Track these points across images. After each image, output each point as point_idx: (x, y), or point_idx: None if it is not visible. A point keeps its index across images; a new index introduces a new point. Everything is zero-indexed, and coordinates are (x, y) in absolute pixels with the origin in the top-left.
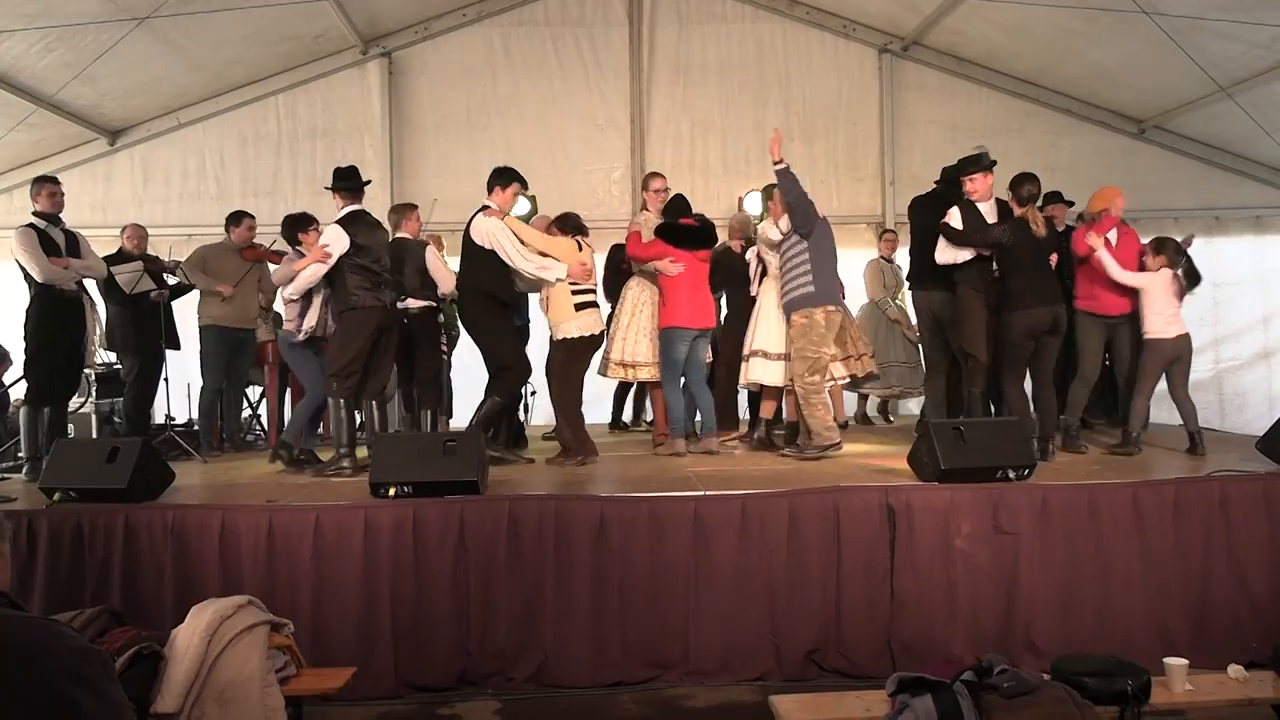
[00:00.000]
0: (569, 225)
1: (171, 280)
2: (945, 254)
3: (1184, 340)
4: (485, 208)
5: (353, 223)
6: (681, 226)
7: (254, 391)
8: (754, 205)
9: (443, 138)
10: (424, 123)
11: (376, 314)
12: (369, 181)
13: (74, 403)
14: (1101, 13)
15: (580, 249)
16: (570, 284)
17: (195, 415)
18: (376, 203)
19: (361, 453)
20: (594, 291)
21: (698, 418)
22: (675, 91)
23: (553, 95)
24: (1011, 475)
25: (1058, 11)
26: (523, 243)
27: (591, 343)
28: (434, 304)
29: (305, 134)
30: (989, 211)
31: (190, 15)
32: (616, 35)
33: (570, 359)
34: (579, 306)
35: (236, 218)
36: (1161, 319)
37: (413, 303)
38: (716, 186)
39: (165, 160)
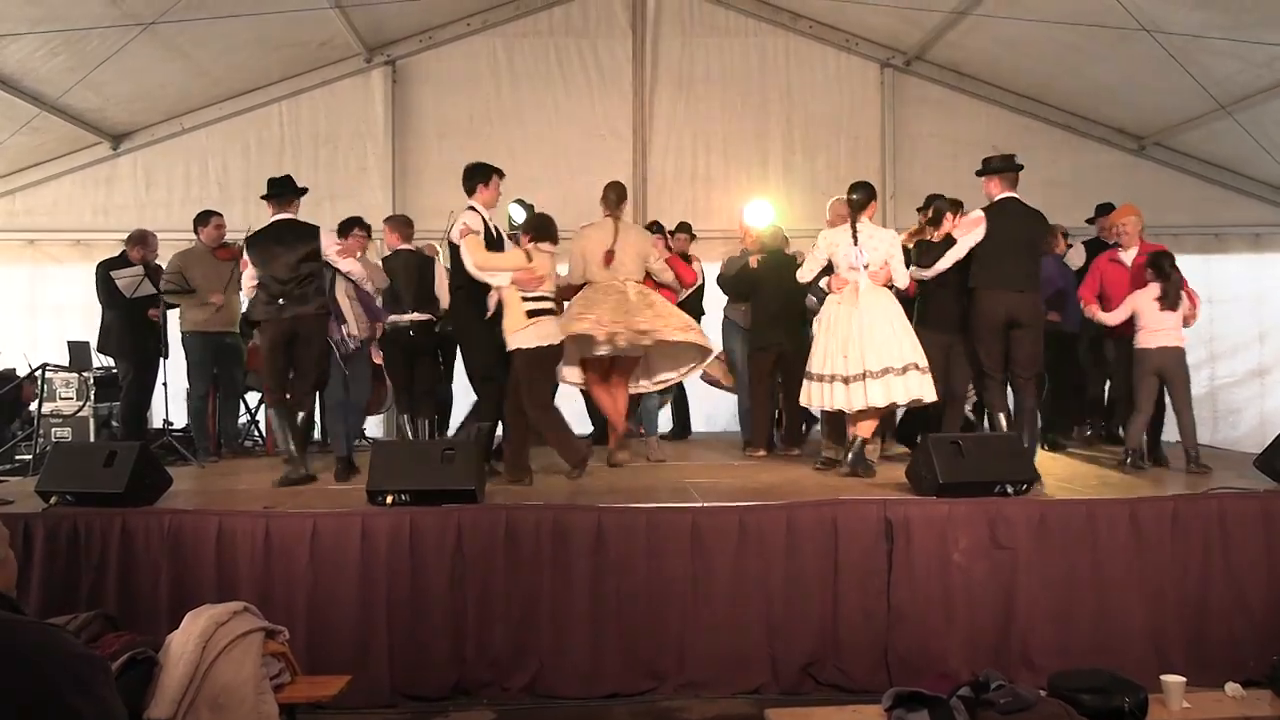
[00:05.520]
0: (527, 226)
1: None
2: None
3: (1170, 353)
4: (470, 208)
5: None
6: None
7: (253, 397)
8: (755, 215)
9: (445, 146)
10: (427, 131)
11: (268, 327)
12: (304, 190)
13: (72, 406)
14: (1103, 30)
15: (530, 257)
16: (521, 292)
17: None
18: (379, 210)
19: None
20: (550, 299)
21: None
22: (678, 103)
23: (555, 105)
24: (1010, 490)
25: (1059, 28)
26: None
27: (549, 353)
28: (432, 317)
29: (308, 140)
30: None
31: (195, 21)
32: (620, 47)
33: (529, 371)
34: (530, 314)
35: (204, 218)
36: (1145, 332)
37: (416, 316)
38: (718, 198)
39: (168, 165)
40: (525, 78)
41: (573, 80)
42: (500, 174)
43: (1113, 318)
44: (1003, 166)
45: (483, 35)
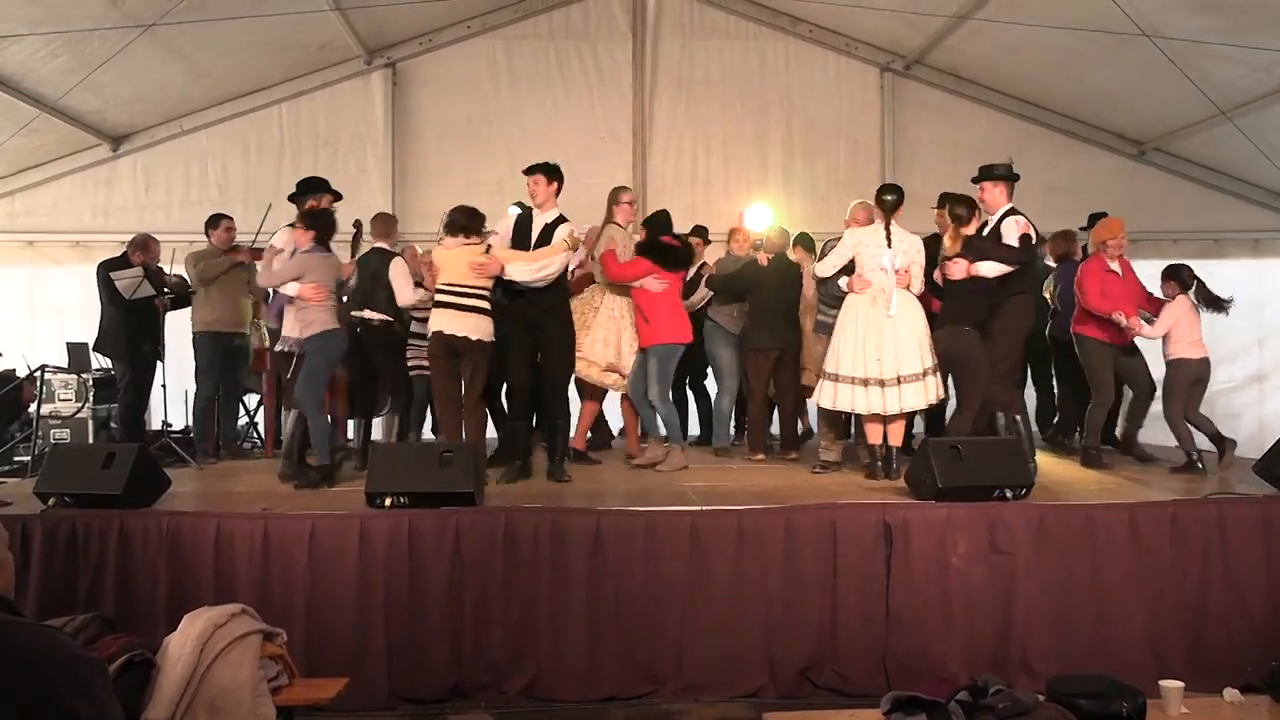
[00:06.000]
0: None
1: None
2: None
3: (1206, 363)
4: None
5: None
6: (666, 246)
7: (251, 399)
8: (755, 219)
9: (445, 148)
10: (426, 133)
11: None
12: (311, 187)
13: (71, 408)
14: (1103, 35)
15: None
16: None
17: (191, 422)
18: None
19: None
20: (448, 292)
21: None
22: (677, 106)
23: (555, 108)
24: (1009, 494)
25: (1059, 33)
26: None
27: (430, 344)
28: (388, 319)
29: (308, 143)
30: None
31: (195, 23)
32: (620, 50)
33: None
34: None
35: (214, 221)
36: (1185, 343)
37: (368, 314)
38: (718, 201)
39: (168, 167)
40: (525, 80)
41: (573, 83)
42: (562, 176)
43: (1155, 331)
44: (1009, 175)
45: (483, 38)
